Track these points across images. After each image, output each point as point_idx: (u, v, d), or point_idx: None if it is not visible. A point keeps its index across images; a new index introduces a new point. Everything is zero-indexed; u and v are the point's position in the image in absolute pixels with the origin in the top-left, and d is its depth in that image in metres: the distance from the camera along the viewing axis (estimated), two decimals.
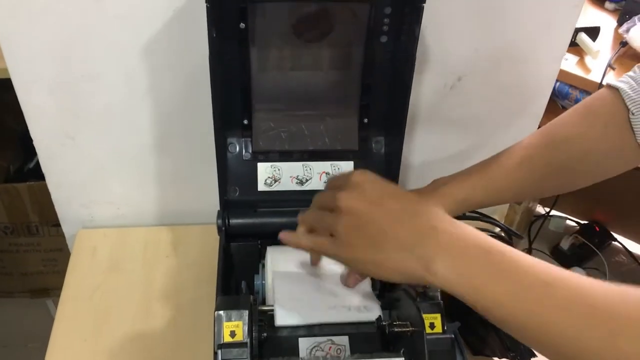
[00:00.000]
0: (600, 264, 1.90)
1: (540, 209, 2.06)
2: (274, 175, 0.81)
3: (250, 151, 0.80)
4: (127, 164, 0.86)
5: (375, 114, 0.79)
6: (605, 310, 0.43)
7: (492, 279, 0.47)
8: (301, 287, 0.66)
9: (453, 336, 0.56)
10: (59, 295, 0.82)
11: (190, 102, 0.80)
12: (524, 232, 2.01)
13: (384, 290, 0.70)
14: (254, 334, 0.53)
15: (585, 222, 2.01)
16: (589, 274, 1.88)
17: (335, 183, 0.58)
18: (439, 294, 0.59)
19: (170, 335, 0.78)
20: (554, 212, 1.99)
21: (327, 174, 0.81)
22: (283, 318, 0.62)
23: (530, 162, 0.69)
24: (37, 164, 1.46)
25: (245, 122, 0.78)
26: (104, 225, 0.92)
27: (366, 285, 0.67)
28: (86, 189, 0.88)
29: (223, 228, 0.76)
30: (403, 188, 0.64)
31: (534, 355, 0.77)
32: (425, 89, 0.83)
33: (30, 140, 0.83)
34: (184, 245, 0.90)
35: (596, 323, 0.43)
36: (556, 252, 1.96)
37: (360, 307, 0.65)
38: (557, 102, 1.48)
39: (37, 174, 1.28)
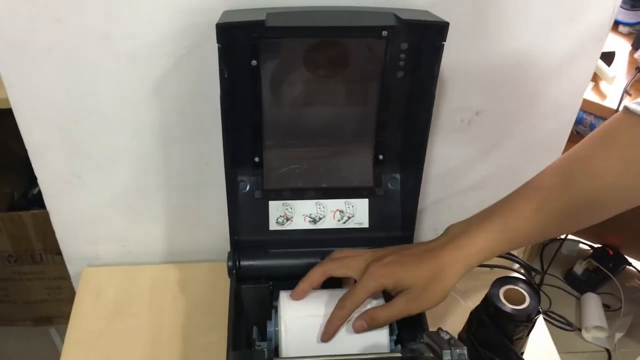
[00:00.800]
0: (615, 289, 1.86)
1: None
2: (286, 214, 0.78)
3: (262, 189, 0.77)
4: (134, 201, 0.84)
5: (391, 151, 0.77)
6: None
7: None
8: (311, 319, 0.66)
9: None
10: (62, 324, 0.79)
11: (199, 140, 0.78)
12: (536, 257, 1.97)
13: (403, 342, 0.67)
14: None
15: (598, 245, 1.97)
16: (604, 300, 1.84)
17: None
18: (465, 351, 0.55)
19: None
20: (567, 237, 1.96)
21: (341, 212, 0.78)
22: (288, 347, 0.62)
23: (549, 205, 0.65)
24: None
25: (257, 159, 0.75)
26: (110, 263, 0.89)
27: (383, 336, 0.64)
28: (92, 226, 0.85)
29: (234, 271, 0.73)
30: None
31: None
32: (441, 123, 0.80)
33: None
34: (193, 284, 0.87)
35: None
36: (570, 277, 1.92)
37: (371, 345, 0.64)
38: (572, 128, 1.45)
39: (41, 201, 1.26)
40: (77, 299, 0.85)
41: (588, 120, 1.39)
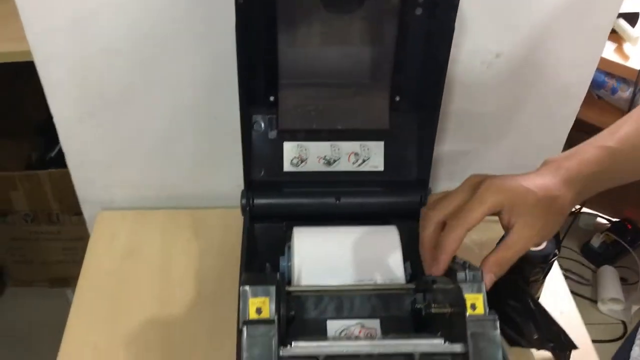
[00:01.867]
0: (632, 263, 1.84)
1: None
2: (300, 155, 0.77)
3: (276, 130, 0.76)
4: (148, 144, 0.83)
5: (409, 92, 0.75)
6: None
7: None
8: (325, 254, 0.64)
9: (497, 317, 0.51)
10: None
11: (214, 80, 0.77)
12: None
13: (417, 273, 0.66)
14: (281, 311, 0.50)
15: (617, 219, 1.94)
16: (620, 274, 1.82)
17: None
18: (480, 273, 0.54)
19: (189, 323, 0.75)
20: (583, 210, 1.93)
21: (356, 154, 0.77)
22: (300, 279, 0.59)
23: None
24: (59, 152, 1.45)
25: (272, 99, 0.75)
26: (124, 207, 0.89)
27: (397, 265, 0.63)
28: (106, 169, 0.85)
29: (247, 208, 0.73)
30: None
31: (575, 347, 0.73)
32: (460, 66, 0.79)
33: (52, 129, 0.82)
34: (205, 228, 0.87)
35: None
36: (586, 250, 1.90)
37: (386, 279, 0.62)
38: (592, 92, 1.43)
39: (59, 163, 1.27)
40: (92, 241, 0.86)
41: (610, 84, 1.36)
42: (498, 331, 0.50)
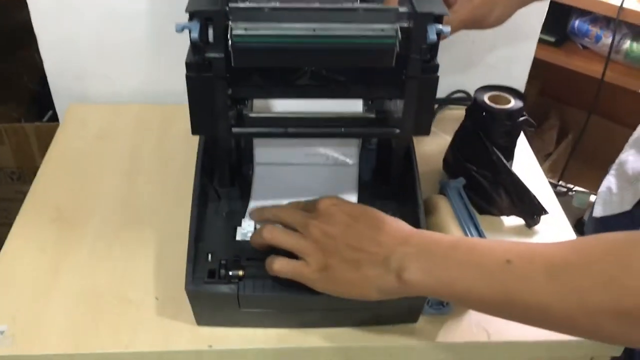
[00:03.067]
0: None
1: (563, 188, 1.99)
2: None
3: None
4: (122, 30, 0.83)
5: None
6: (561, 266, 0.44)
7: (460, 272, 0.48)
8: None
9: None
10: None
11: None
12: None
13: None
14: None
15: None
16: None
17: (304, 207, 0.58)
18: None
19: (155, 194, 0.74)
20: (576, 188, 1.92)
21: None
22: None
23: None
24: (50, 119, 1.45)
25: None
26: (96, 102, 0.89)
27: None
28: (80, 56, 0.85)
29: None
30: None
31: (545, 211, 0.71)
32: None
33: (44, 99, 0.82)
34: (176, 120, 0.85)
35: (556, 282, 0.44)
36: (580, 226, 1.87)
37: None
38: (577, 42, 1.43)
39: None
40: (61, 127, 0.85)
41: (593, 32, 1.37)
42: None
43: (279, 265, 0.53)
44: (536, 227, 0.72)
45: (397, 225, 0.53)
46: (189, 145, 0.66)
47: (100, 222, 0.70)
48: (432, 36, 0.48)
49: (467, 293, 0.48)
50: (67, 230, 0.69)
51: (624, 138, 0.85)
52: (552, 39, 1.42)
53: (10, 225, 0.85)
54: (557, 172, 1.87)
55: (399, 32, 0.48)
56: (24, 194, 0.76)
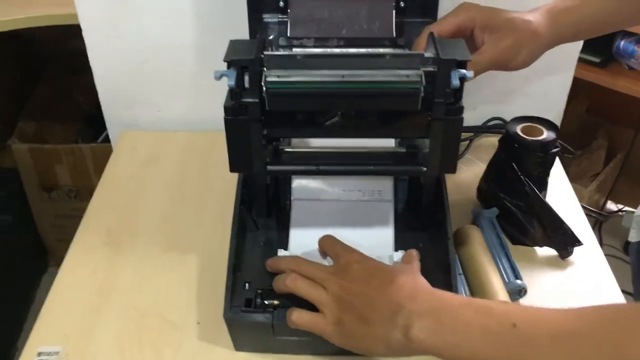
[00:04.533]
0: None
1: (612, 206, 1.95)
2: None
3: (286, 37, 0.80)
4: (168, 60, 0.88)
5: None
6: (567, 333, 0.45)
7: (466, 334, 0.49)
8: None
9: None
10: None
11: None
12: (595, 230, 1.89)
13: None
14: None
15: None
16: None
17: (327, 250, 0.60)
18: None
19: (197, 219, 0.78)
20: (626, 209, 1.88)
21: None
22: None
23: None
24: (104, 139, 1.52)
25: (281, 4, 0.79)
26: (146, 129, 0.94)
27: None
28: (129, 86, 0.91)
29: None
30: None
31: (579, 243, 0.72)
32: None
33: (100, 120, 0.90)
34: (222, 145, 0.89)
35: (559, 349, 0.45)
36: (627, 245, 1.83)
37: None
38: (623, 63, 1.42)
39: None
40: (114, 154, 0.90)
41: (639, 52, 1.35)
42: None
43: (297, 317, 0.56)
44: (570, 258, 0.73)
45: (413, 283, 0.54)
46: None
47: (147, 246, 0.74)
48: (455, 82, 0.50)
49: (471, 355, 0.48)
50: (116, 253, 0.74)
51: None
52: (597, 60, 1.40)
53: (67, 240, 0.92)
54: (605, 192, 1.83)
55: (424, 78, 0.50)
56: (80, 211, 0.82)
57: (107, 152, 0.92)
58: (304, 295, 0.56)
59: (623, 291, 0.72)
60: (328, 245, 0.60)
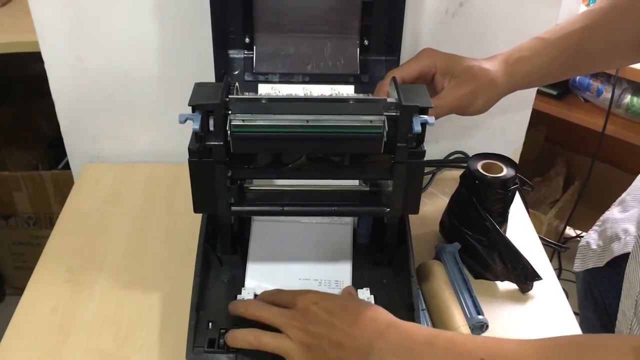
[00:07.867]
0: None
1: (571, 231, 1.99)
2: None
3: (251, 72, 0.80)
4: (134, 93, 0.88)
5: (377, 36, 0.80)
6: None
7: None
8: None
9: None
10: None
11: (193, 28, 0.82)
12: (554, 257, 1.93)
13: None
14: None
15: None
16: None
17: (283, 298, 0.60)
18: None
19: (161, 255, 0.77)
20: (584, 234, 1.92)
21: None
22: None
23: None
24: (65, 166, 1.50)
25: (247, 40, 0.79)
26: (109, 162, 0.93)
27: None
28: (94, 118, 0.90)
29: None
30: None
31: (539, 277, 0.73)
32: (426, 15, 0.83)
33: (61, 145, 0.89)
34: (186, 180, 0.89)
35: None
36: None
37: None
38: (579, 95, 1.46)
39: None
40: (75, 187, 0.89)
41: (594, 86, 1.39)
42: None
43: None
44: (530, 293, 0.74)
45: (375, 317, 0.55)
46: None
47: (109, 284, 0.73)
48: (417, 127, 0.51)
49: None
50: (77, 292, 0.72)
51: (630, 184, 0.87)
52: (554, 92, 1.45)
53: (25, 268, 0.90)
54: (564, 218, 1.88)
55: (386, 123, 0.51)
56: (39, 239, 0.80)
57: (68, 179, 0.90)
58: (269, 348, 0.57)
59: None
60: (277, 298, 0.61)
